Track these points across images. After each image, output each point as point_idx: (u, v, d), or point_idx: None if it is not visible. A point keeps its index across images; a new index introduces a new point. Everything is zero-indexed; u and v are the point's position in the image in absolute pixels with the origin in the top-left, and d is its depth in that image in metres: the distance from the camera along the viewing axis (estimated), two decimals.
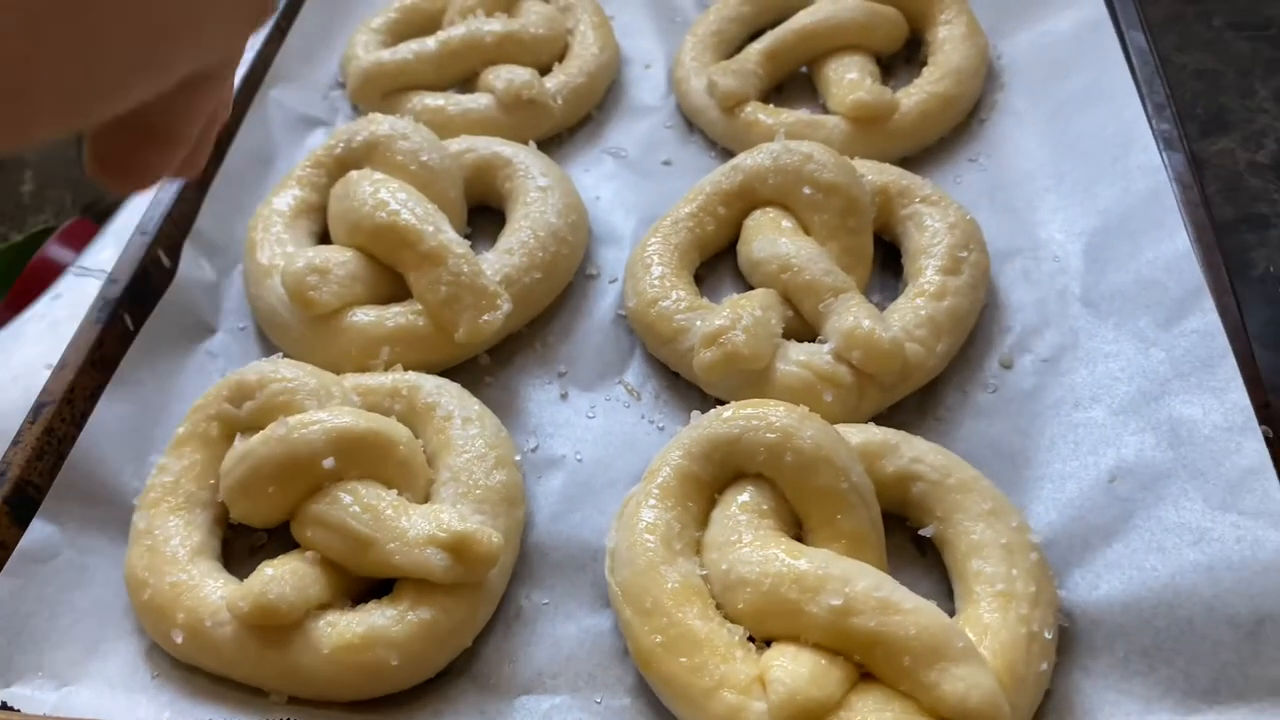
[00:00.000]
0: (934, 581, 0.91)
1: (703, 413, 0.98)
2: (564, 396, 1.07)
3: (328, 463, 0.89)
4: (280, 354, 1.06)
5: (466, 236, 1.21)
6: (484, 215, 1.24)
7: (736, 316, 1.01)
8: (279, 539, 0.95)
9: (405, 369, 1.04)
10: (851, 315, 1.00)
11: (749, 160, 1.15)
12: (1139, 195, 1.09)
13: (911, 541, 0.93)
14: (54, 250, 1.74)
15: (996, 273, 1.12)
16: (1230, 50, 1.37)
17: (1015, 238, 1.14)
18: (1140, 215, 1.07)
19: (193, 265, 1.15)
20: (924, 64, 1.34)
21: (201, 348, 1.12)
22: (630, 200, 1.25)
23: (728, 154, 1.29)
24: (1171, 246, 1.02)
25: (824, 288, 1.03)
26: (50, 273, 1.70)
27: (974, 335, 1.07)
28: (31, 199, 2.17)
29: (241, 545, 0.98)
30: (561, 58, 1.40)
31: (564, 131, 1.34)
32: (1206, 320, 0.96)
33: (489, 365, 1.10)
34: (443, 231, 1.08)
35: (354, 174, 1.14)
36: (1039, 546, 0.86)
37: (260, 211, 1.17)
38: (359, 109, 1.37)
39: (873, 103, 1.21)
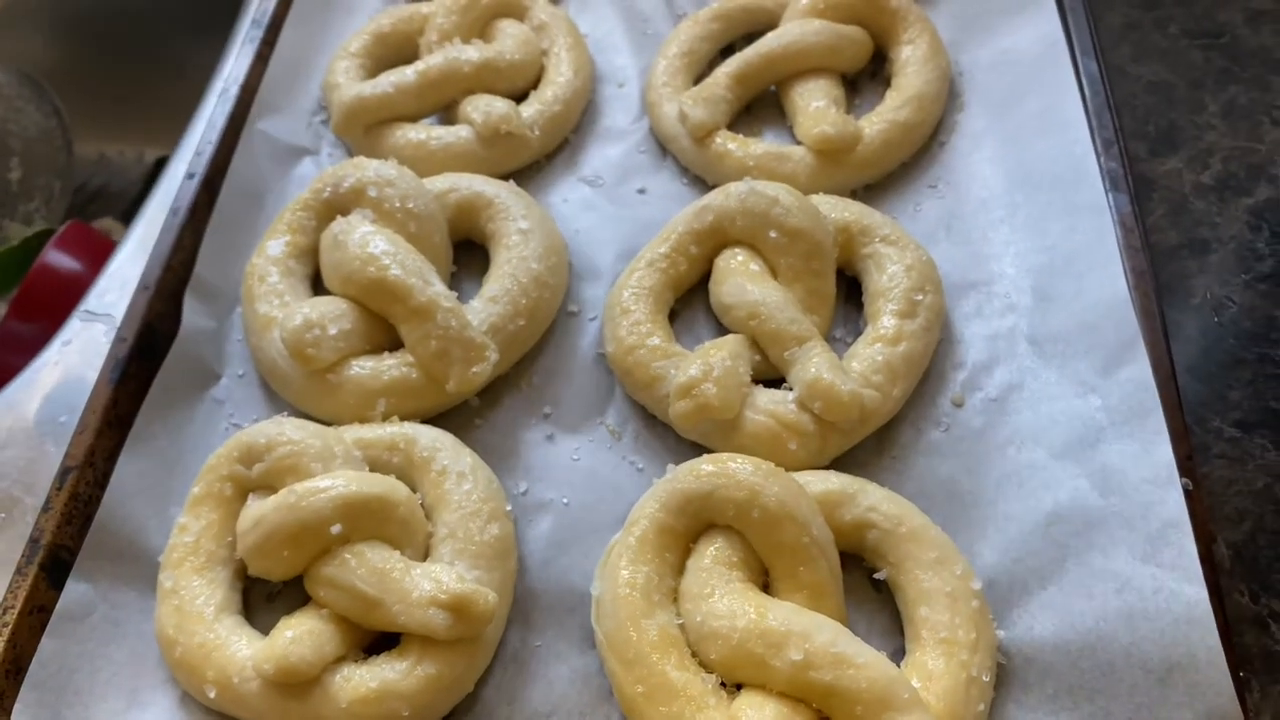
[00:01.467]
0: (888, 617, 1.01)
1: (678, 455, 1.08)
2: (550, 438, 1.15)
3: (335, 528, 0.98)
4: (286, 412, 1.14)
5: (452, 274, 1.28)
6: (468, 248, 1.30)
7: (708, 368, 1.08)
8: (294, 585, 1.04)
9: (401, 417, 1.13)
10: (813, 366, 1.07)
11: (718, 201, 1.21)
12: (1084, 234, 1.16)
13: (869, 579, 1.03)
14: (53, 257, 1.80)
15: (952, 307, 1.19)
16: (1183, 60, 1.42)
17: (970, 271, 1.21)
18: (1085, 256, 1.14)
19: (194, 314, 1.22)
20: (888, 80, 1.39)
21: (208, 395, 1.20)
22: (607, 233, 1.31)
23: (700, 181, 1.35)
24: (1112, 292, 1.10)
25: (789, 336, 1.11)
26: (52, 279, 1.77)
27: (929, 371, 1.14)
28: (20, 186, 2.21)
29: (259, 592, 1.07)
30: (537, 80, 1.44)
31: (542, 158, 1.39)
32: (1140, 370, 1.04)
33: (479, 407, 1.18)
34: (430, 285, 1.15)
35: (342, 224, 1.20)
36: (980, 593, 0.96)
37: (254, 261, 1.23)
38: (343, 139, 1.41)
39: (837, 136, 1.27)
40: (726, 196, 1.21)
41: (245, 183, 1.34)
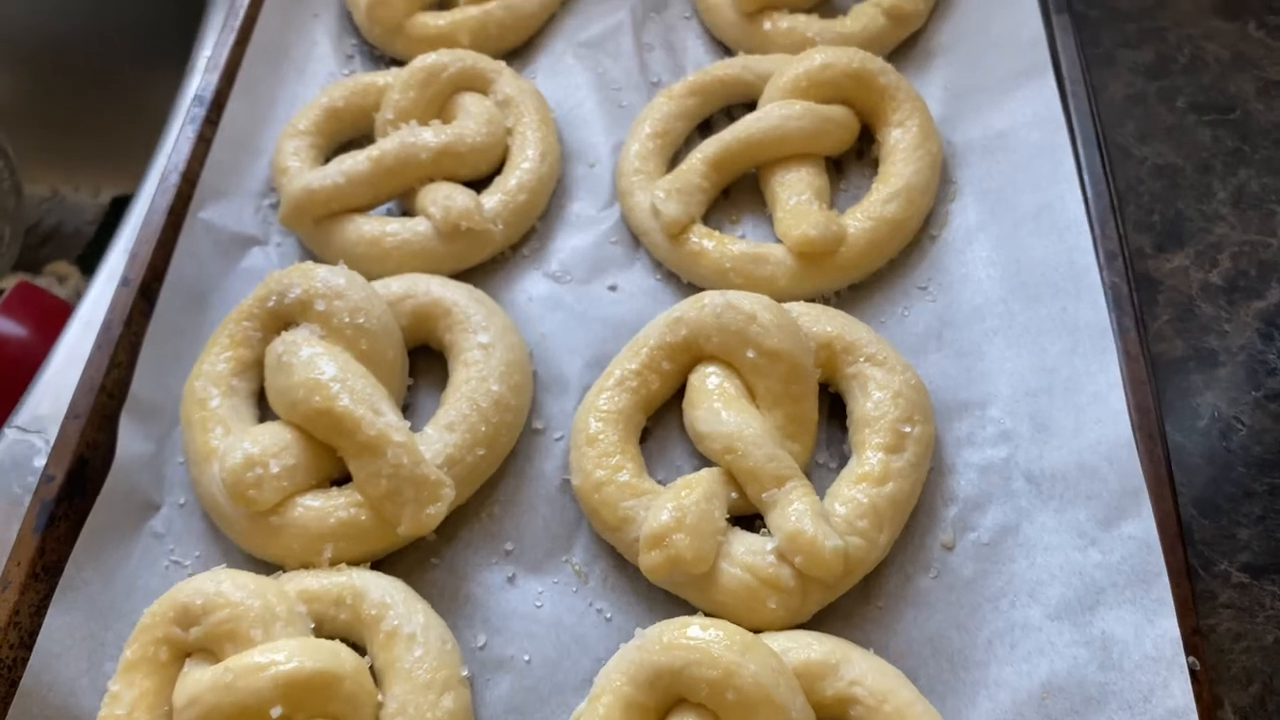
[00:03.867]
0: None
1: (649, 602, 1.04)
2: (511, 580, 1.07)
3: (275, 711, 0.91)
4: (225, 564, 1.06)
5: (409, 388, 1.20)
6: (428, 350, 1.22)
7: (680, 514, 1.00)
8: None
9: (352, 560, 1.05)
10: (794, 515, 0.99)
11: (692, 314, 1.13)
12: (1085, 358, 1.08)
13: None
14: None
15: (943, 429, 1.11)
16: (1191, 139, 1.33)
17: (962, 389, 1.13)
18: (1085, 385, 1.06)
19: (131, 439, 1.13)
20: (876, 160, 1.31)
21: (146, 529, 1.12)
22: (576, 338, 1.22)
23: (674, 278, 1.27)
24: (1114, 432, 1.02)
25: (767, 476, 1.03)
26: None
27: (918, 505, 1.07)
28: None
29: None
30: (502, 160, 1.34)
31: (506, 248, 1.30)
32: (1143, 527, 0.96)
33: (435, 544, 1.10)
34: (381, 414, 1.06)
35: (286, 343, 1.11)
36: None
37: (193, 383, 1.14)
38: None
39: (819, 239, 1.18)
40: (700, 310, 1.12)
41: (186, 283, 1.25)
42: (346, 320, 1.13)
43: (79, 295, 1.84)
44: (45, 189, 2.19)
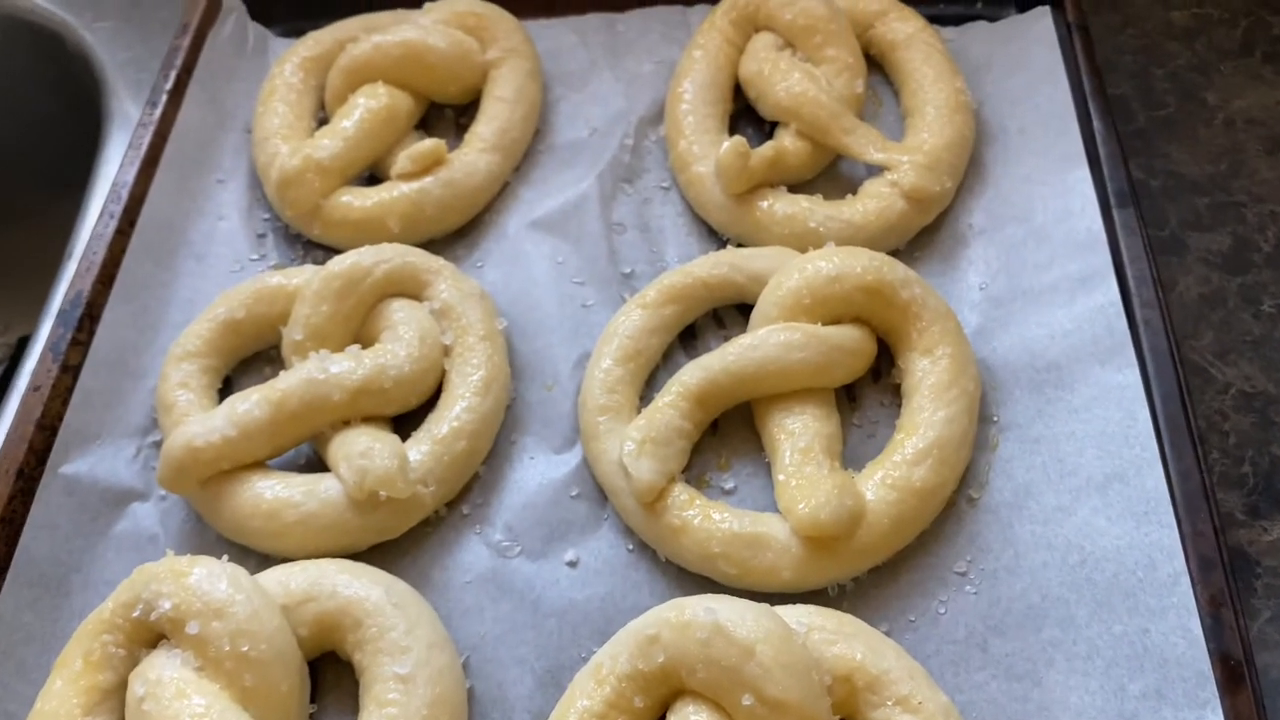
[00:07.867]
0: None
1: None
2: None
3: None
4: None
5: (313, 714, 0.95)
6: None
7: None
8: None
9: None
10: None
11: (670, 636, 0.87)
12: (1176, 712, 0.83)
13: None
14: None
15: None
16: None
17: None
18: None
19: None
20: (895, 385, 1.06)
21: None
22: (524, 645, 0.97)
23: (648, 549, 1.02)
24: None
25: None
26: None
27: None
28: None
29: None
30: (438, 386, 1.09)
31: (441, 506, 1.05)
32: None
33: None
34: None
35: (149, 681, 0.87)
36: None
37: None
38: None
39: (830, 522, 0.93)
40: (682, 634, 0.87)
41: (40, 566, 1.00)
42: (227, 649, 0.88)
43: None
44: None
